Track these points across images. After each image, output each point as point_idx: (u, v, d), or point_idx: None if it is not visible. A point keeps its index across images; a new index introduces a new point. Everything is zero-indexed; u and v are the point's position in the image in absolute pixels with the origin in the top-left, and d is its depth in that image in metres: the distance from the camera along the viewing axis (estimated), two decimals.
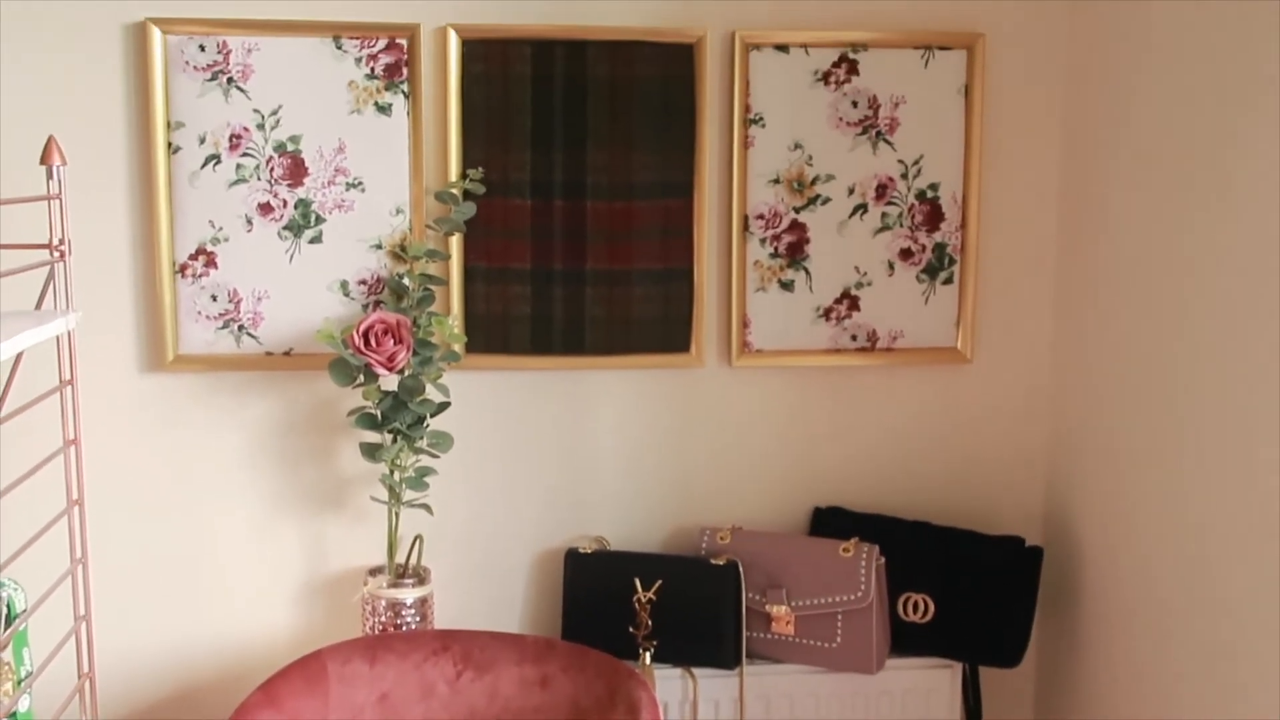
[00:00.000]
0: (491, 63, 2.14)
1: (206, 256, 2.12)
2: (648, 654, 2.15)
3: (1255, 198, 1.70)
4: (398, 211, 2.15)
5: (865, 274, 2.26)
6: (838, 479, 2.35)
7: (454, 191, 2.12)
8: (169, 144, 2.09)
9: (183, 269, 2.12)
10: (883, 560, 2.17)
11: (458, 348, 2.09)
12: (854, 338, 2.28)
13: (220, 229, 2.12)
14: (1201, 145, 1.84)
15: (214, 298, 2.13)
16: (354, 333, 1.98)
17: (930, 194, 2.25)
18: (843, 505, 2.34)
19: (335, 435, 2.22)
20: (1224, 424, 1.78)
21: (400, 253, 2.16)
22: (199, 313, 2.13)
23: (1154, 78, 1.97)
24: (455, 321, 2.04)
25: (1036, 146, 2.28)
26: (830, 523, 2.31)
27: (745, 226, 2.23)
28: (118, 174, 2.10)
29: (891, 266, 2.26)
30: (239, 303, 2.14)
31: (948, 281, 2.28)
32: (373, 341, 1.99)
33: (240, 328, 2.14)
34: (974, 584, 2.20)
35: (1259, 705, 1.68)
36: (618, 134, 2.17)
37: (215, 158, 2.10)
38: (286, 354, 2.16)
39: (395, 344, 2.00)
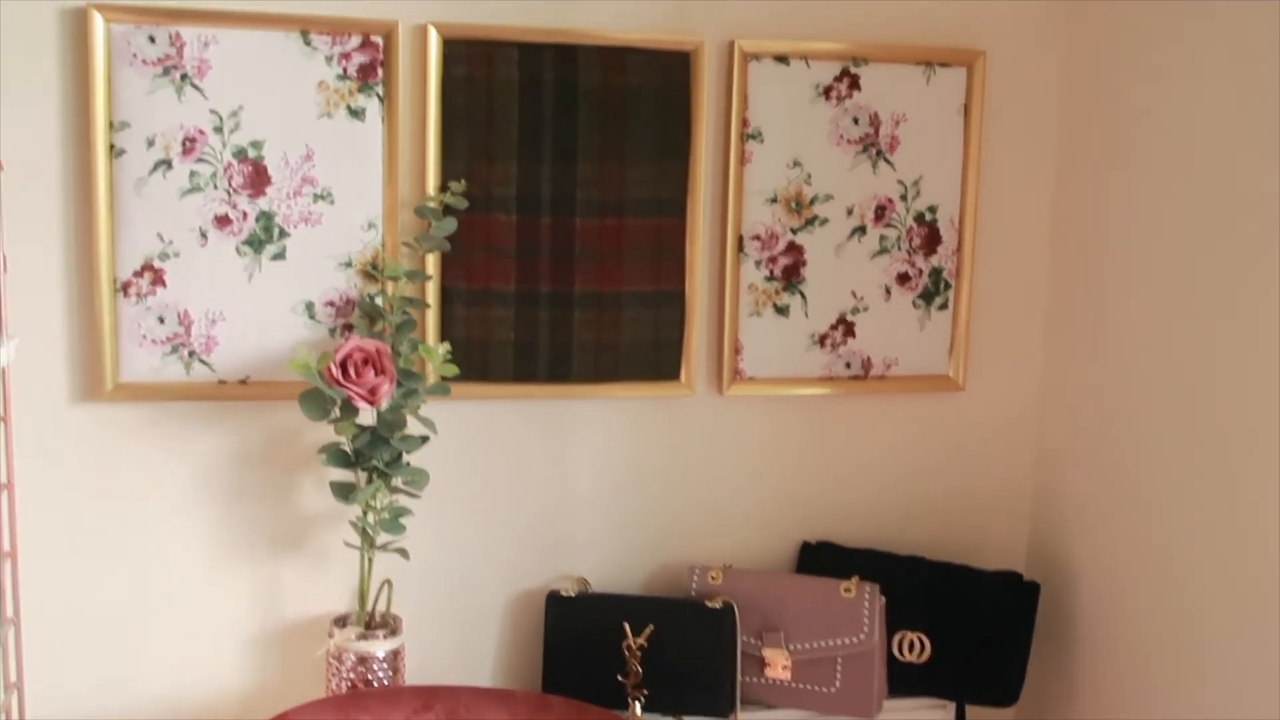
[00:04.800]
0: (475, 65, 1.96)
1: (153, 274, 1.89)
2: (638, 704, 2.01)
3: (1256, 222, 1.69)
4: (370, 226, 1.96)
5: (862, 299, 2.16)
6: (826, 511, 2.24)
7: (433, 205, 1.94)
8: (111, 146, 1.85)
9: (125, 287, 1.89)
10: (883, 600, 2.07)
11: (448, 380, 1.90)
12: (848, 365, 2.17)
13: (170, 243, 1.89)
14: (1200, 170, 1.82)
15: (161, 319, 1.90)
16: (331, 363, 1.78)
17: (929, 216, 2.16)
18: (831, 539, 2.24)
19: (293, 471, 2.01)
20: (1217, 453, 1.76)
21: (373, 271, 1.96)
22: (144, 336, 1.90)
23: (1152, 98, 1.93)
24: (444, 350, 1.85)
25: (1033, 169, 2.22)
26: (820, 558, 2.20)
27: (740, 247, 2.10)
28: (50, 180, 1.86)
29: (888, 291, 2.17)
30: (190, 325, 1.91)
31: (943, 307, 2.20)
32: (351, 372, 1.80)
33: (191, 353, 1.92)
34: (971, 622, 2.12)
35: None
36: (610, 146, 2.01)
37: (166, 163, 1.87)
38: (242, 382, 1.95)
39: (377, 375, 1.81)
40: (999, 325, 2.25)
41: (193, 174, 1.88)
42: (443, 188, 1.96)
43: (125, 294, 1.89)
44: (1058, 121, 2.21)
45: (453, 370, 1.85)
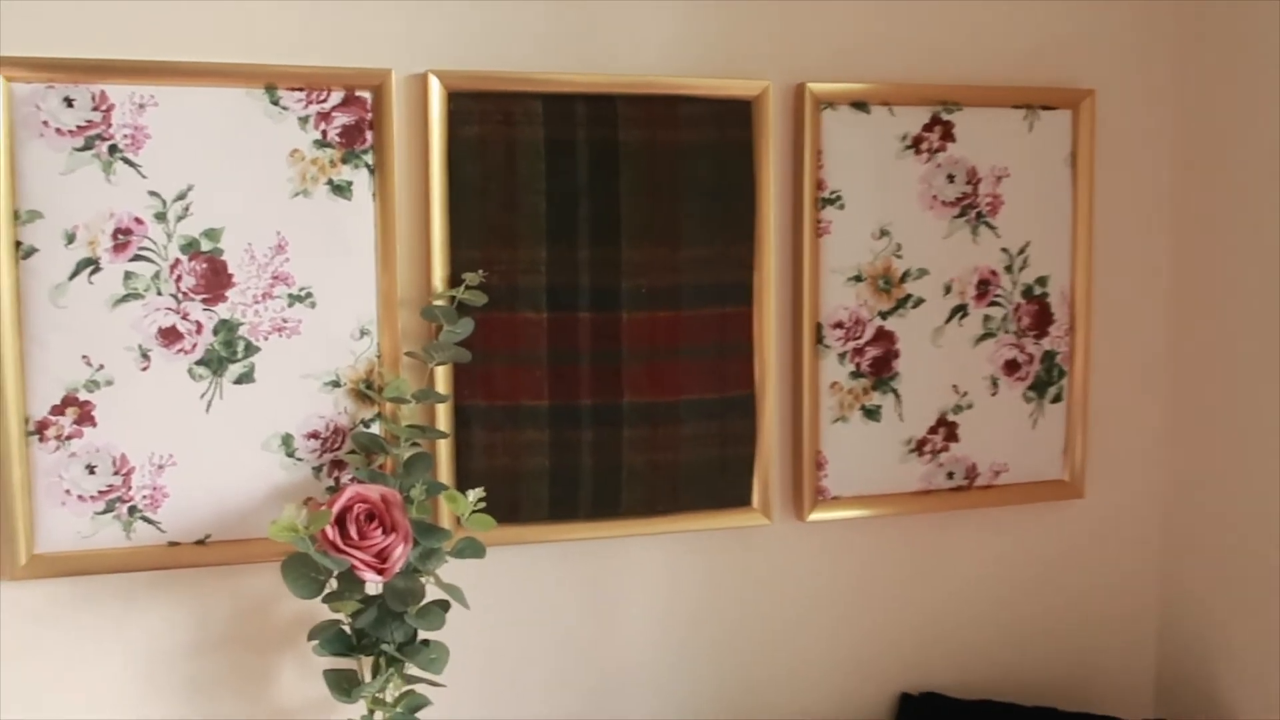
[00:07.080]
0: (489, 124, 1.54)
1: (79, 409, 1.43)
2: None
3: None
4: (362, 334, 1.52)
5: (965, 394, 1.77)
6: (925, 653, 1.83)
7: (444, 304, 1.51)
8: (18, 244, 1.40)
9: (41, 429, 1.42)
10: None
11: (482, 535, 1.45)
12: (950, 475, 1.77)
13: (100, 368, 1.43)
14: None
15: (91, 469, 1.44)
16: (327, 524, 1.33)
17: (1038, 290, 1.78)
18: (936, 688, 1.82)
19: (268, 652, 1.55)
20: None
21: (367, 391, 1.52)
22: (67, 492, 1.44)
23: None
24: (475, 497, 1.40)
25: (1148, 227, 1.86)
26: (925, 713, 1.79)
27: (819, 338, 1.70)
28: None
29: (995, 383, 1.78)
30: (129, 474, 1.45)
31: (1057, 399, 1.81)
32: (353, 531, 1.35)
33: (132, 509, 1.46)
34: None
35: None
36: (659, 221, 1.61)
37: (92, 263, 1.42)
38: (200, 543, 1.49)
39: (386, 533, 1.36)
40: (1119, 418, 1.87)
41: (129, 276, 1.43)
42: (454, 280, 1.53)
43: (41, 438, 1.42)
44: (1172, 170, 1.85)
45: (488, 524, 1.40)
